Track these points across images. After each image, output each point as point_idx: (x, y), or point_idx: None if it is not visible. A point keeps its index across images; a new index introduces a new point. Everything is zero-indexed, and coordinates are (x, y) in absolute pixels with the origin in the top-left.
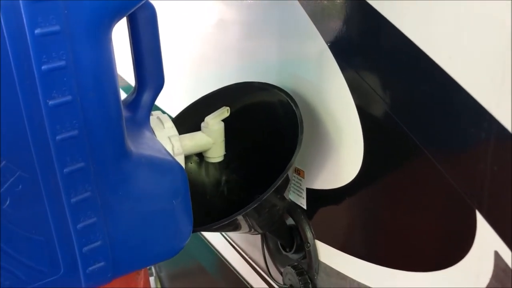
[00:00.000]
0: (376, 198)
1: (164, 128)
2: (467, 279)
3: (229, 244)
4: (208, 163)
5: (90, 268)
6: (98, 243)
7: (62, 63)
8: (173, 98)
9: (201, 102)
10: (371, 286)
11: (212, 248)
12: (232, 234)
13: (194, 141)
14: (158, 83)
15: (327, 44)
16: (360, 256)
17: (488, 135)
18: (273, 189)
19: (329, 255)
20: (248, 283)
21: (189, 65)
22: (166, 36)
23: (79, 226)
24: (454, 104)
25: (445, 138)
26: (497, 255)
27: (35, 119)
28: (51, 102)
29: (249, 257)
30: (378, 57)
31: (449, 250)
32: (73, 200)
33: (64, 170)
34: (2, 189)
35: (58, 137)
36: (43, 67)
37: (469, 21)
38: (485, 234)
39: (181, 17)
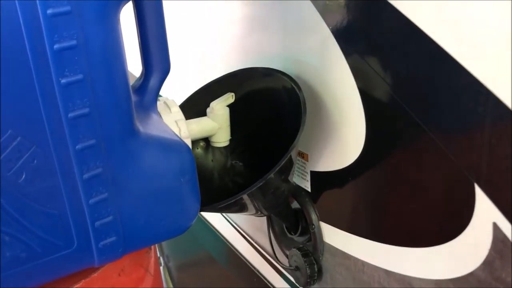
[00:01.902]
0: (379, 177)
1: (171, 112)
2: (468, 251)
3: (235, 230)
4: (214, 148)
5: (102, 243)
6: (110, 218)
7: (73, 42)
8: (178, 86)
9: (206, 88)
10: (374, 264)
11: (219, 234)
12: (238, 220)
13: (200, 125)
14: (164, 68)
15: (329, 28)
16: (364, 235)
17: (485, 109)
18: (277, 169)
19: (333, 236)
20: (255, 268)
21: (193, 52)
22: (171, 24)
23: (91, 201)
24: (453, 81)
25: (445, 115)
26: (495, 227)
27: (49, 96)
28: (63, 81)
29: (255, 242)
30: (380, 39)
31: (449, 224)
32: (85, 176)
33: (77, 147)
34: (18, 164)
35: (70, 115)
36: (55, 46)
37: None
38: (484, 207)
39: (186, 5)
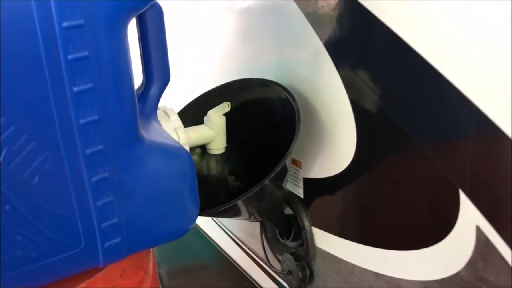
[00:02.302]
0: (369, 184)
1: (170, 120)
2: (453, 253)
3: (227, 236)
4: (210, 155)
5: (108, 243)
6: (115, 220)
7: (86, 53)
8: (176, 96)
9: (202, 98)
10: (364, 267)
11: (211, 241)
12: (231, 226)
13: (198, 133)
14: (164, 78)
15: (322, 42)
16: (354, 239)
17: (469, 120)
18: (273, 175)
19: (325, 241)
20: (247, 273)
21: (190, 63)
22: (171, 36)
23: (99, 203)
24: (439, 94)
25: (431, 125)
26: (478, 229)
27: (61, 104)
28: (75, 89)
29: (248, 247)
30: (370, 53)
31: (435, 227)
32: (94, 179)
33: (86, 151)
34: (31, 167)
35: (81, 121)
36: (69, 57)
37: (453, 18)
38: (468, 211)
39: (183, 17)
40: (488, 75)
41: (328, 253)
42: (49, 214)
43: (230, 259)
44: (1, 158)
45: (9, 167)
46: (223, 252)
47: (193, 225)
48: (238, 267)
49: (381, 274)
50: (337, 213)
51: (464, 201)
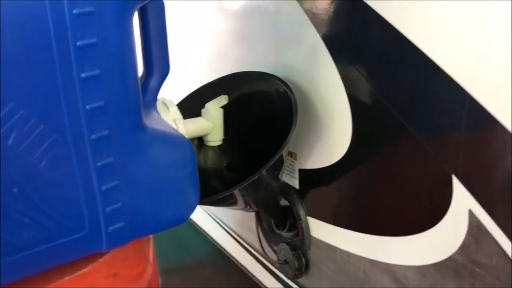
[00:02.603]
0: (364, 172)
1: (169, 111)
2: (446, 237)
3: (223, 230)
4: (207, 147)
5: (111, 227)
6: (119, 204)
7: (94, 40)
8: (175, 89)
9: (200, 91)
10: (360, 254)
11: (206, 235)
12: (227, 219)
13: (196, 125)
14: (164, 69)
15: (320, 35)
16: (349, 227)
17: (462, 107)
18: (271, 164)
19: (320, 230)
20: (243, 266)
21: (189, 56)
22: (170, 29)
23: (103, 188)
24: (434, 83)
25: (426, 114)
26: (471, 213)
27: (69, 89)
28: (83, 75)
29: (244, 240)
30: (368, 46)
31: (430, 213)
32: (99, 164)
33: (92, 137)
34: (39, 150)
35: (87, 107)
36: (78, 43)
37: (448, 9)
38: (460, 196)
39: (182, 9)
40: (482, 65)
41: (323, 242)
42: (56, 198)
43: (226, 253)
44: (11, 140)
45: (18, 150)
46: (219, 247)
47: (192, 213)
48: (234, 260)
49: (376, 261)
50: (332, 202)
51: (457, 186)
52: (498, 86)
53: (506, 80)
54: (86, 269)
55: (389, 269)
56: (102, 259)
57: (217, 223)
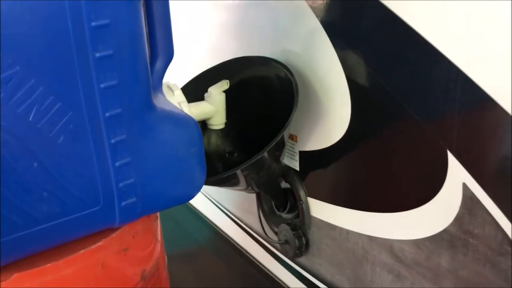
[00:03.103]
0: (361, 152)
1: (174, 95)
2: (441, 210)
3: (224, 215)
4: (210, 130)
5: (124, 203)
6: (131, 180)
7: (107, 21)
8: (177, 73)
9: (202, 75)
10: (358, 231)
11: (207, 220)
12: (227, 203)
13: (199, 108)
14: (169, 53)
15: (319, 19)
16: (348, 205)
17: (456, 85)
18: (273, 144)
19: (320, 210)
20: (243, 249)
21: (192, 41)
22: (173, 14)
23: (117, 164)
24: (428, 62)
25: (422, 92)
26: (464, 186)
27: (85, 68)
28: (97, 54)
29: (245, 224)
30: (365, 29)
31: (426, 188)
32: (112, 141)
33: (106, 114)
34: (57, 127)
35: (101, 85)
36: (92, 24)
37: None
38: (455, 170)
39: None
40: (474, 44)
41: (323, 221)
42: (73, 173)
43: (226, 236)
44: (31, 116)
45: (38, 125)
46: (219, 231)
47: (199, 192)
48: (234, 243)
49: (374, 237)
50: (331, 182)
51: (452, 160)
52: (491, 65)
53: (499, 59)
54: (99, 244)
55: (387, 244)
56: (114, 235)
57: (218, 208)
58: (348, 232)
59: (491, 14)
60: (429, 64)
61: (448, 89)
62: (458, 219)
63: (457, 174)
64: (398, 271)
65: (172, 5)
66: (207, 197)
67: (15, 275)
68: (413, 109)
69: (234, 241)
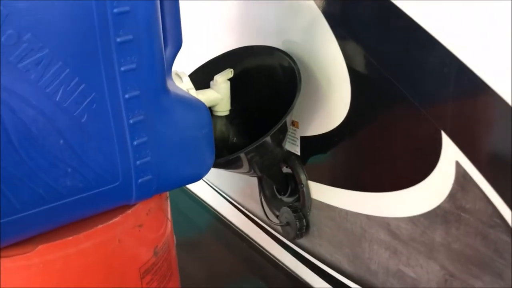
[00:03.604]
0: (360, 135)
1: (182, 82)
2: (436, 188)
3: (227, 201)
4: (216, 117)
5: (141, 180)
6: (148, 158)
7: (127, 8)
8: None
9: (208, 64)
10: (356, 211)
11: (210, 207)
12: (229, 190)
13: (206, 95)
14: (177, 42)
15: (320, 10)
16: (347, 187)
17: (450, 69)
18: (278, 127)
19: (320, 192)
20: (245, 233)
21: (197, 33)
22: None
23: (135, 142)
24: (424, 48)
25: (418, 77)
26: (457, 164)
27: (107, 52)
28: (118, 39)
29: (246, 209)
30: (365, 18)
31: (422, 167)
32: (131, 121)
33: (125, 96)
34: (82, 106)
35: (122, 68)
36: (114, 10)
37: None
38: (449, 149)
39: None
40: (466, 30)
41: (323, 203)
42: (95, 150)
43: (227, 221)
44: (58, 96)
45: (65, 105)
46: (221, 217)
47: (208, 172)
48: (236, 228)
49: (372, 216)
50: (331, 165)
51: (446, 140)
52: (483, 51)
53: (490, 44)
54: (116, 219)
55: (384, 222)
56: (129, 211)
57: (220, 194)
58: (347, 212)
59: (484, 3)
60: (425, 50)
61: (443, 73)
62: (451, 196)
63: (450, 153)
64: (394, 247)
65: None
66: (209, 184)
67: (40, 247)
68: (410, 93)
69: (236, 227)
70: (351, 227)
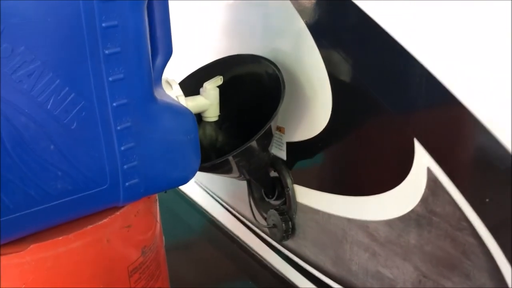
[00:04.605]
0: (340, 141)
1: (172, 89)
2: (410, 193)
3: (219, 205)
4: (205, 122)
5: (128, 183)
6: (135, 163)
7: (115, 22)
8: (175, 70)
9: (198, 72)
10: (338, 214)
11: (203, 210)
12: (222, 193)
13: (195, 102)
14: (168, 51)
15: (304, 21)
16: (330, 190)
17: (421, 80)
18: (262, 133)
19: (305, 195)
20: (236, 235)
21: (188, 40)
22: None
23: (122, 148)
24: (399, 61)
25: (394, 87)
26: (429, 170)
27: (96, 63)
28: (107, 51)
29: (237, 211)
30: (345, 30)
31: (397, 173)
32: (119, 127)
33: (113, 104)
34: (71, 114)
35: (110, 78)
36: (103, 24)
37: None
38: (420, 156)
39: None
40: (436, 44)
41: (308, 206)
42: (84, 155)
43: (218, 223)
44: (50, 105)
45: (55, 112)
46: (214, 220)
47: (194, 175)
48: (227, 230)
49: (352, 219)
50: (315, 170)
51: (418, 147)
52: (450, 63)
53: (457, 56)
54: (105, 220)
55: (363, 225)
56: (118, 213)
57: (212, 198)
58: (330, 215)
59: (451, 16)
60: (399, 62)
61: (415, 83)
62: (423, 200)
63: (422, 160)
64: (373, 249)
65: (170, 5)
66: (203, 188)
67: (32, 246)
68: (386, 101)
69: (227, 229)
70: (333, 230)
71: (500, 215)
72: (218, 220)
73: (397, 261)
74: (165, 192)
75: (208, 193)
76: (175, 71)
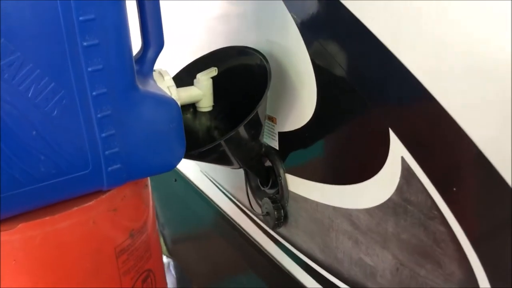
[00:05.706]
0: (325, 131)
1: (164, 80)
2: (387, 182)
3: (222, 193)
4: (200, 113)
5: (110, 168)
6: (116, 149)
7: (93, 16)
8: (169, 65)
9: (193, 64)
10: (325, 203)
11: (210, 200)
12: (224, 183)
13: (188, 92)
14: (159, 43)
15: (292, 16)
16: (317, 180)
17: (396, 73)
18: (246, 121)
19: (295, 184)
20: (236, 223)
21: (180, 34)
22: (164, 9)
23: (103, 135)
24: (376, 54)
25: (371, 79)
26: (403, 159)
27: (75, 55)
28: (85, 43)
29: (236, 199)
30: (328, 23)
31: (375, 162)
32: (99, 115)
33: (93, 93)
34: (52, 102)
35: (89, 69)
36: (80, 18)
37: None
38: (395, 145)
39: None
40: (412, 39)
41: (298, 195)
42: (65, 141)
43: (222, 211)
44: (30, 93)
45: (36, 101)
46: (219, 209)
47: (179, 163)
48: (229, 218)
49: (337, 207)
50: (303, 159)
51: (393, 137)
52: (424, 55)
53: (430, 49)
54: (90, 203)
55: (347, 213)
56: (104, 196)
57: (219, 189)
58: (317, 204)
59: (426, 13)
60: (376, 55)
61: (391, 76)
62: (399, 189)
63: (397, 149)
64: (356, 237)
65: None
66: (210, 180)
67: (20, 225)
68: (363, 93)
69: (230, 217)
70: (320, 218)
71: (466, 204)
72: (221, 208)
73: (377, 249)
74: (175, 180)
75: (215, 184)
76: (172, 63)
